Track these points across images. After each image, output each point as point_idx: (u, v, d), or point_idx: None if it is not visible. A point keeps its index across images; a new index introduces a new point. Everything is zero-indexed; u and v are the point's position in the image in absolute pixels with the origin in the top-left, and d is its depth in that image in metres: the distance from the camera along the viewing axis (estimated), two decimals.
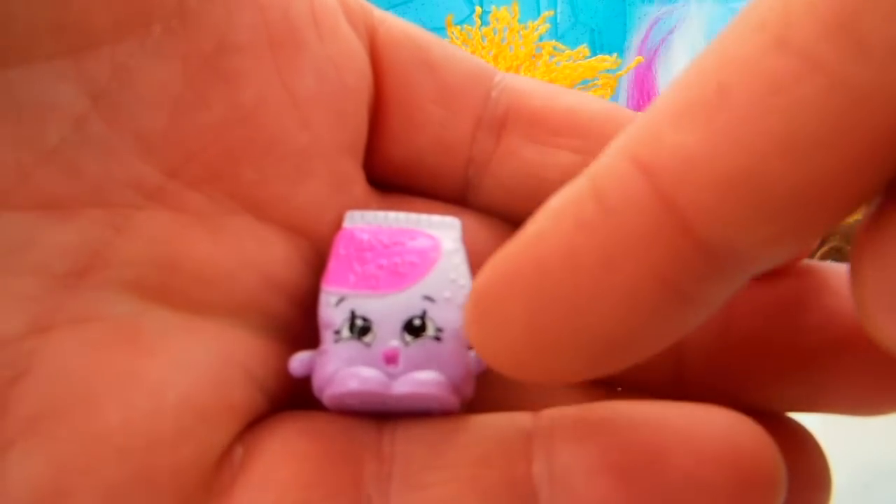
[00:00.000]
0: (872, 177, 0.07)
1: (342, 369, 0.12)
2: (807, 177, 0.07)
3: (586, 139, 0.14)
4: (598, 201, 0.08)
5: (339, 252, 0.13)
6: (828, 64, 0.07)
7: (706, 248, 0.08)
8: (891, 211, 0.08)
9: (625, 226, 0.08)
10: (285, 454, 0.11)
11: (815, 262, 0.13)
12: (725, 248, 0.08)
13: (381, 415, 0.12)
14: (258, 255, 0.12)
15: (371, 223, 0.13)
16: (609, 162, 0.09)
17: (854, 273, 0.08)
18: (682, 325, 0.09)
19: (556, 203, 0.09)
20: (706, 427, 0.11)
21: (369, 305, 0.12)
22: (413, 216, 0.13)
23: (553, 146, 0.14)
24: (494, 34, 0.64)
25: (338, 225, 0.13)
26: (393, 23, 0.14)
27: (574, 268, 0.09)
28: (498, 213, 0.14)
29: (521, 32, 0.63)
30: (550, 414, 0.12)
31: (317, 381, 0.12)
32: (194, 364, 0.11)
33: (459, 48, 0.15)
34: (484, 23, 0.64)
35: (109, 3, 0.11)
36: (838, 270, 0.12)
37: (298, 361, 0.12)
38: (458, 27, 0.66)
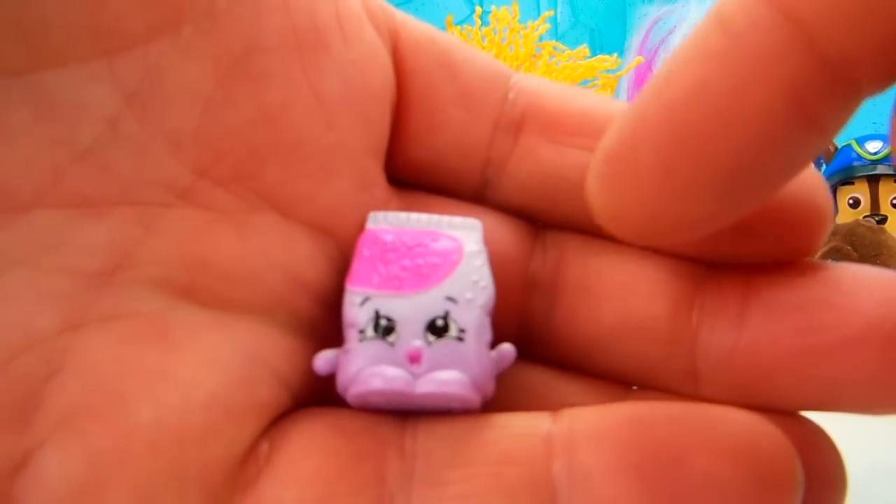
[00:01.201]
0: None
1: (366, 368, 0.12)
2: None
3: (602, 138, 0.14)
4: (725, 29, 0.09)
5: (364, 253, 0.13)
6: None
7: (829, 65, 0.08)
8: None
9: (752, 48, 0.08)
10: (309, 450, 0.12)
11: (828, 263, 0.13)
12: (846, 61, 0.08)
13: (403, 412, 0.12)
14: (284, 254, 0.13)
15: (394, 224, 0.13)
16: None
17: None
18: (807, 152, 0.09)
19: (683, 43, 0.09)
20: (724, 428, 0.11)
21: (393, 305, 0.12)
22: (435, 218, 0.13)
23: (570, 146, 0.14)
24: (494, 34, 0.64)
25: (361, 225, 0.13)
26: (415, 25, 0.14)
27: (705, 100, 0.09)
28: (516, 211, 0.15)
29: (521, 32, 0.63)
30: (570, 413, 0.12)
31: (341, 380, 0.12)
32: (222, 362, 0.12)
33: (479, 49, 0.15)
34: (484, 23, 0.64)
35: (142, 4, 0.11)
36: (851, 270, 0.12)
37: (323, 359, 0.12)
38: (458, 27, 0.66)
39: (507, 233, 0.14)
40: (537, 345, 0.14)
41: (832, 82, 0.08)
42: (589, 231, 0.14)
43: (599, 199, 0.10)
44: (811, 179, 0.12)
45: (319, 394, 0.13)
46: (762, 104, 0.09)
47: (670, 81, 0.09)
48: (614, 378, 0.14)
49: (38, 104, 0.10)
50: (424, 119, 0.14)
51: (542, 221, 0.15)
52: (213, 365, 0.11)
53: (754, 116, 0.09)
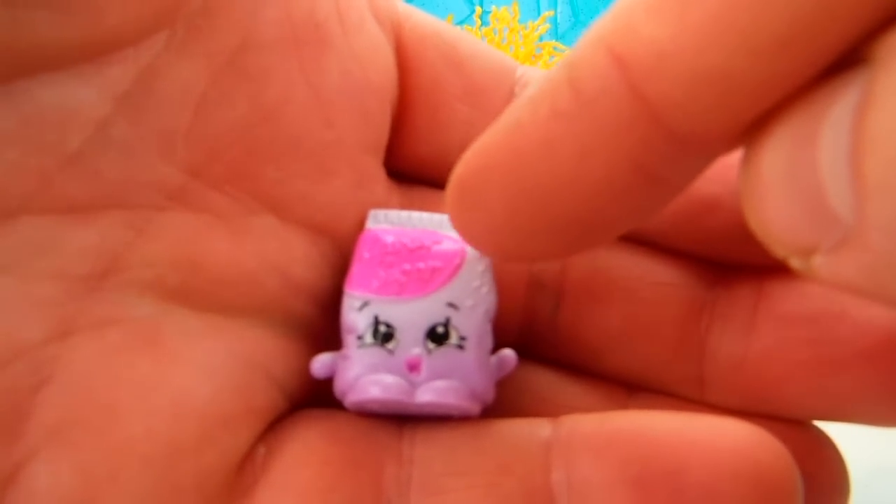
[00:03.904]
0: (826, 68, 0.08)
1: (364, 375, 0.12)
2: (772, 74, 0.07)
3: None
4: (575, 91, 0.09)
5: (363, 255, 0.12)
6: None
7: (676, 137, 0.08)
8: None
9: (600, 116, 0.09)
10: (306, 457, 0.11)
11: None
12: (694, 137, 0.08)
13: (401, 417, 0.12)
14: (279, 255, 0.12)
15: (394, 223, 0.13)
16: (585, 51, 0.09)
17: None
18: (652, 205, 0.10)
19: (534, 92, 0.09)
20: (726, 441, 0.11)
21: (393, 311, 0.12)
22: (437, 217, 0.13)
23: None
24: (494, 34, 0.64)
25: (360, 224, 0.13)
26: (419, 18, 0.14)
27: (551, 156, 0.09)
28: None
29: (521, 32, 0.63)
30: (570, 422, 0.12)
31: (339, 386, 0.12)
32: (216, 368, 0.11)
33: (484, 42, 0.15)
34: (484, 23, 0.64)
35: (135, 3, 0.10)
36: None
37: (320, 363, 0.12)
38: (458, 27, 0.66)
39: None
40: (541, 346, 0.14)
41: (681, 151, 0.09)
42: None
43: (454, 219, 0.10)
44: None
45: (316, 395, 0.13)
46: (607, 169, 0.09)
47: (521, 130, 0.09)
48: (619, 381, 0.14)
49: (25, 110, 0.10)
50: (429, 114, 0.14)
51: None
52: (206, 371, 0.11)
53: (599, 178, 0.09)
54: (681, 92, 0.08)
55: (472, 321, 0.12)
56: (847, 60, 0.07)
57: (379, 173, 0.14)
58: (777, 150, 0.08)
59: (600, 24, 0.09)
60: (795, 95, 0.08)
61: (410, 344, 0.12)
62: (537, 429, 0.12)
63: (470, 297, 0.12)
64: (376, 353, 0.12)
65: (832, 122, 0.07)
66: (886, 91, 0.07)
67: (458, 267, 0.12)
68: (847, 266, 0.07)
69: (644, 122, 0.08)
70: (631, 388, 0.14)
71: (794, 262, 0.08)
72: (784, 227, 0.08)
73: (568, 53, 0.09)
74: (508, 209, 0.10)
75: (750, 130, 0.08)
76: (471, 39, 0.14)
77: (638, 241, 0.14)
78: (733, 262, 0.13)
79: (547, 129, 0.09)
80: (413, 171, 0.14)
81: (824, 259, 0.08)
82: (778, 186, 0.08)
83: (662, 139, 0.08)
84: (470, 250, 0.13)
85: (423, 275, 0.12)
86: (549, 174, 0.09)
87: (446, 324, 0.12)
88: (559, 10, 0.71)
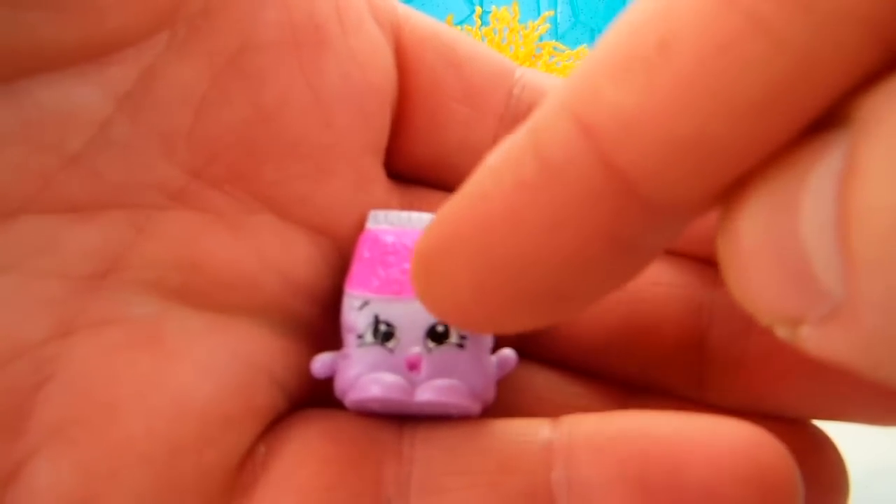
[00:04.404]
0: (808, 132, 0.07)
1: (365, 374, 0.12)
2: (750, 138, 0.07)
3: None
4: (540, 161, 0.08)
5: (363, 255, 0.12)
6: (772, 23, 0.07)
7: (650, 206, 0.08)
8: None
9: (568, 188, 0.08)
10: (306, 456, 0.11)
11: None
12: (670, 205, 0.08)
13: (401, 416, 0.12)
14: (280, 255, 0.12)
15: (394, 224, 0.13)
16: (549, 118, 0.08)
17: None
18: (625, 274, 0.09)
19: (496, 160, 0.09)
20: (725, 441, 0.11)
21: (393, 310, 0.12)
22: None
23: None
24: (494, 34, 0.64)
25: (359, 224, 0.13)
26: (419, 19, 0.14)
27: (517, 229, 0.08)
28: None
29: (521, 32, 0.63)
30: (570, 421, 0.12)
31: (339, 385, 0.12)
32: (217, 367, 0.11)
33: (483, 44, 0.15)
34: (484, 23, 0.64)
35: (136, 5, 0.10)
36: None
37: (320, 363, 0.12)
38: (458, 27, 0.66)
39: None
40: (541, 346, 0.14)
41: (655, 218, 0.08)
42: None
43: (417, 290, 0.10)
44: None
45: (316, 394, 0.13)
46: (577, 241, 0.08)
47: (485, 201, 0.09)
48: (619, 380, 0.14)
49: (26, 110, 0.10)
50: (428, 115, 0.14)
51: None
52: (207, 371, 0.11)
53: (569, 251, 0.08)
54: (653, 161, 0.07)
55: None
56: (825, 118, 0.07)
57: (379, 174, 0.14)
58: (756, 216, 0.07)
59: (563, 88, 0.08)
60: (772, 157, 0.07)
61: (410, 343, 0.12)
62: (537, 429, 0.12)
63: None
64: (376, 353, 0.12)
65: (814, 190, 0.07)
66: (871, 159, 0.06)
67: None
68: (837, 340, 0.07)
69: (615, 192, 0.08)
70: (631, 388, 0.14)
71: (781, 332, 0.08)
72: (767, 297, 0.07)
73: (530, 118, 0.09)
74: (475, 283, 0.09)
75: (726, 192, 0.08)
76: (470, 41, 0.14)
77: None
78: None
79: (512, 202, 0.08)
80: (412, 171, 0.14)
81: (812, 331, 0.07)
82: (758, 254, 0.07)
83: (636, 208, 0.08)
84: None
85: None
86: (517, 247, 0.09)
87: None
88: (559, 10, 0.71)
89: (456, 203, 0.09)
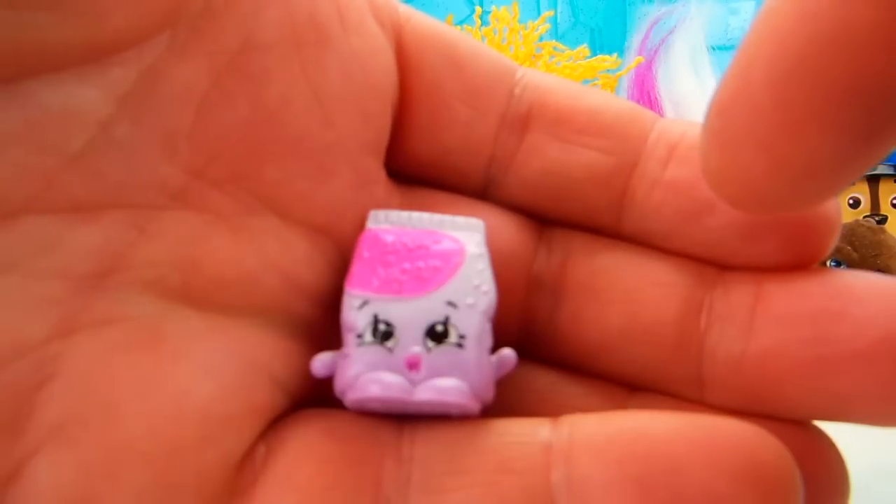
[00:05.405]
0: None
1: (364, 374, 0.12)
2: None
3: (610, 138, 0.14)
4: None
5: (363, 254, 0.12)
6: None
7: None
8: None
9: None
10: (306, 455, 0.11)
11: (841, 271, 0.13)
12: None
13: (401, 416, 0.12)
14: (280, 255, 0.12)
15: (395, 223, 0.13)
16: None
17: None
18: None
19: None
20: (725, 441, 0.11)
21: (392, 310, 0.12)
22: (437, 217, 0.13)
23: (578, 144, 0.14)
24: (494, 34, 0.64)
25: (360, 224, 0.13)
26: (420, 19, 0.14)
27: (812, 21, 0.08)
28: (520, 210, 0.14)
29: (521, 32, 0.63)
30: (570, 422, 0.12)
31: (339, 384, 0.12)
32: (217, 368, 0.11)
33: (483, 43, 0.15)
34: (484, 23, 0.64)
35: (137, 5, 0.10)
36: (863, 280, 0.12)
37: (320, 363, 0.12)
38: (459, 27, 0.66)
39: (512, 231, 0.14)
40: (541, 346, 0.14)
41: None
42: (595, 231, 0.14)
43: (714, 159, 0.10)
44: None
45: (316, 394, 0.13)
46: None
47: (775, 11, 0.09)
48: (619, 381, 0.14)
49: (28, 110, 0.10)
50: (429, 115, 0.14)
51: (548, 220, 0.15)
52: (207, 371, 0.11)
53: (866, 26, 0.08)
54: None
55: (472, 320, 0.12)
56: None
57: (379, 174, 0.14)
58: None
59: None
60: None
61: (410, 342, 0.12)
62: (537, 428, 0.12)
63: (469, 296, 0.12)
64: (376, 352, 0.12)
65: None
66: None
67: (458, 266, 0.12)
68: None
69: None
70: (631, 388, 0.14)
71: None
72: None
73: None
74: (779, 102, 0.09)
75: None
76: (470, 41, 0.14)
77: (638, 241, 0.14)
78: (732, 262, 0.13)
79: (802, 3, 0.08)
80: (413, 171, 0.14)
81: None
82: None
83: None
84: (470, 248, 0.13)
85: (422, 274, 0.12)
86: (815, 39, 0.08)
87: (445, 322, 0.12)
88: (559, 10, 0.71)
89: (744, 44, 0.09)
